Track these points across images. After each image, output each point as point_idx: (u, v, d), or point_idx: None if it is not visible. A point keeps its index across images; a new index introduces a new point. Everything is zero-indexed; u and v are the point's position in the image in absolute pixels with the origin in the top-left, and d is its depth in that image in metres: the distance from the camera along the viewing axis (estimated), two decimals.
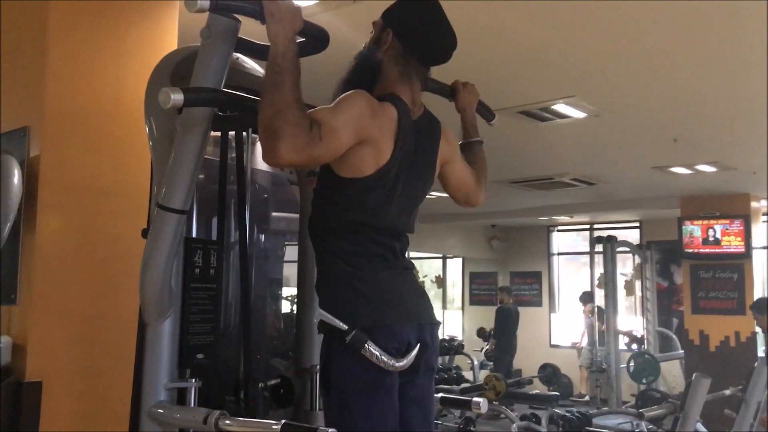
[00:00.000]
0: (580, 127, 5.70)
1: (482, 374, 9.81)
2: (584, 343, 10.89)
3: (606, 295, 9.72)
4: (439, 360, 11.00)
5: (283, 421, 1.74)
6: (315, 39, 1.91)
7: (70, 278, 2.65)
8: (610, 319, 9.53)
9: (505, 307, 10.38)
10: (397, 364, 1.77)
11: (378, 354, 1.75)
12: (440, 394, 2.24)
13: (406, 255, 1.98)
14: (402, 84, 1.90)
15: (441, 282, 13.45)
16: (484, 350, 10.53)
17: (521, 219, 11.72)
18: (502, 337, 10.20)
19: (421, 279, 13.35)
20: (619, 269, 10.32)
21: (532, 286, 12.55)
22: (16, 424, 2.47)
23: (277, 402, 2.32)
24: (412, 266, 2.02)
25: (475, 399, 2.17)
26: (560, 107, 5.11)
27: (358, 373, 1.78)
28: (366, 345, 1.75)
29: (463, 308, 13.42)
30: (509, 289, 11.02)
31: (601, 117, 5.35)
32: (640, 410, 5.15)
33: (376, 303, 1.81)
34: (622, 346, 9.75)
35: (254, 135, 2.44)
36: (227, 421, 1.82)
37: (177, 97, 1.58)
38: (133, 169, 2.81)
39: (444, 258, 13.43)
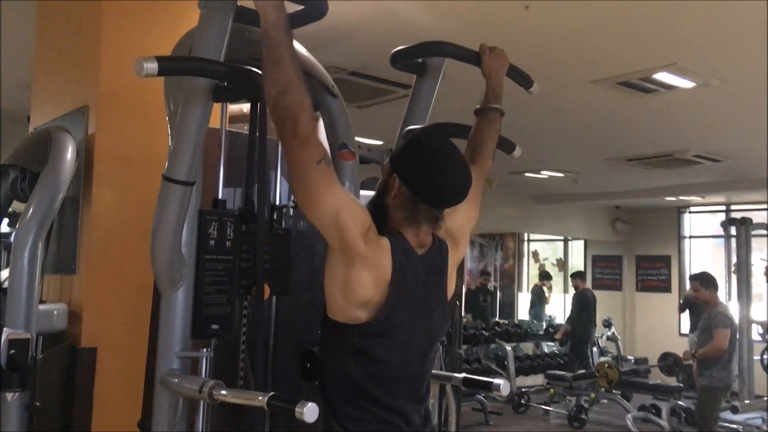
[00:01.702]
0: (691, 98, 5.28)
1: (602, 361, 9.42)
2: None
3: (739, 282, 9.02)
4: (555, 346, 10.67)
5: (270, 393, 1.73)
6: (312, 4, 1.86)
7: (124, 249, 2.76)
8: (744, 308, 8.84)
9: (581, 293, 9.80)
10: None
11: None
12: (463, 375, 2.15)
13: (423, 410, 1.83)
14: (408, 227, 1.78)
15: (563, 265, 13.02)
16: (558, 338, 10.06)
17: (647, 200, 11.09)
18: (577, 324, 9.68)
19: (541, 262, 13.01)
20: (762, 254, 9.55)
21: (660, 271, 11.88)
22: (72, 387, 2.61)
23: (303, 376, 2.31)
24: (430, 427, 1.87)
25: (496, 381, 2.05)
26: (662, 76, 4.74)
27: None
28: None
29: None
30: (583, 273, 10.38)
31: (711, 87, 4.92)
32: (734, 404, 4.77)
33: None
34: (756, 336, 9.03)
35: None
36: (223, 392, 1.84)
37: (150, 66, 1.59)
38: None
39: (566, 240, 12.98)
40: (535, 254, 13.06)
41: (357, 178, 2.53)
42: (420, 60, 2.33)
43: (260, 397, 1.72)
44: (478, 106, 2.22)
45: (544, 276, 12.05)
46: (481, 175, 2.10)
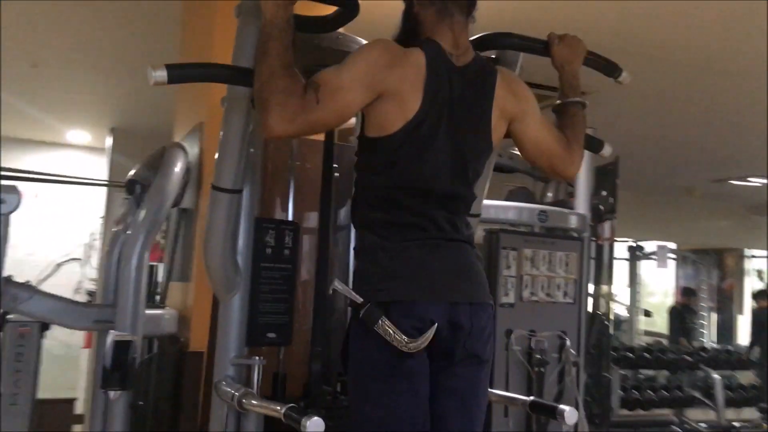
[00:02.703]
0: None
1: None
2: None
3: None
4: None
5: (289, 404, 1.69)
6: (344, 6, 1.81)
7: None
8: None
9: (762, 311, 8.63)
10: (410, 344, 1.58)
11: (392, 332, 1.58)
12: (531, 398, 1.93)
13: (459, 224, 1.76)
14: (440, 25, 1.74)
15: None
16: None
17: None
18: (764, 344, 8.44)
19: (766, 281, 11.58)
20: None
21: None
22: (179, 390, 2.75)
23: None
24: (465, 238, 1.77)
25: (561, 407, 1.82)
26: None
27: (373, 354, 1.63)
28: (379, 321, 1.59)
29: None
30: (765, 291, 9.03)
31: None
32: None
33: (396, 277, 1.65)
34: None
35: None
36: (253, 401, 1.82)
37: (159, 74, 1.60)
38: None
39: None
40: (760, 273, 11.67)
41: None
42: (493, 56, 2.16)
43: (278, 407, 1.69)
44: (558, 102, 2.02)
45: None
46: (572, 156, 1.93)
